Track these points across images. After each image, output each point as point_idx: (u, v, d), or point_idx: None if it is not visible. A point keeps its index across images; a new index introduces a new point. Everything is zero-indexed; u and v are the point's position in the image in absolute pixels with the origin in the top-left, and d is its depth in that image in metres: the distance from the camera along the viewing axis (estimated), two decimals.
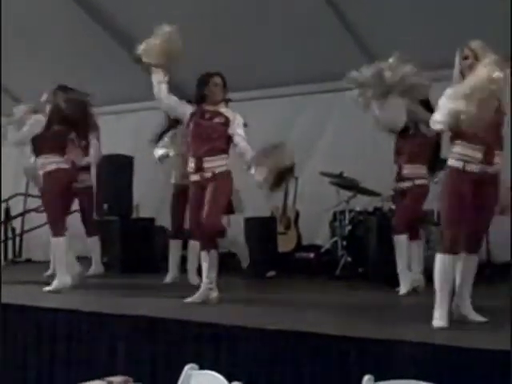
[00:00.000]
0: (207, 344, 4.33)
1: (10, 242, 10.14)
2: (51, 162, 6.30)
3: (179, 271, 7.03)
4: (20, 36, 8.51)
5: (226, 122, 5.52)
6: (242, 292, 5.65)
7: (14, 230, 10.18)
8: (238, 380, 2.95)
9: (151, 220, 8.46)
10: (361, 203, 7.61)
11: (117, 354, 4.73)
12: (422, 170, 6.05)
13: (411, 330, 4.27)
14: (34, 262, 9.71)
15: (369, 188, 7.44)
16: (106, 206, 8.18)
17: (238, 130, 5.50)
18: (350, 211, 7.46)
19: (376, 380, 2.79)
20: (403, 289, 5.92)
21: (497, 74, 3.94)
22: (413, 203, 6.06)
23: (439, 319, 4.22)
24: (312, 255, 7.84)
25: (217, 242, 5.60)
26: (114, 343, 4.77)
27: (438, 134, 5.20)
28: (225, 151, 5.55)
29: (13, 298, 5.62)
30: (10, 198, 10.02)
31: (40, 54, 8.88)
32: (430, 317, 4.43)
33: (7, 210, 10.05)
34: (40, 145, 6.34)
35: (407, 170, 6.07)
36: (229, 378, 2.94)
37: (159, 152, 6.86)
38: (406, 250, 5.98)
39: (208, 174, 5.47)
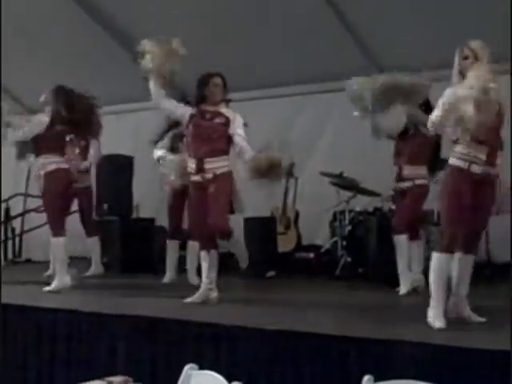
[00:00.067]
0: (207, 344, 4.33)
1: (9, 242, 10.14)
2: (52, 162, 6.30)
3: (177, 272, 7.03)
4: (20, 36, 8.51)
5: (227, 123, 5.52)
6: (242, 292, 5.65)
7: (13, 230, 10.18)
8: (238, 380, 2.95)
9: (151, 220, 8.47)
10: (361, 203, 7.61)
11: (117, 354, 4.73)
12: (422, 170, 6.05)
13: (411, 330, 4.26)
14: (34, 262, 9.70)
15: (369, 188, 7.44)
16: (105, 206, 8.18)
17: (238, 130, 5.50)
18: (350, 211, 7.46)
19: (376, 380, 2.79)
20: (403, 289, 5.92)
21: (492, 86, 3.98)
22: (413, 203, 6.06)
23: (435, 318, 4.21)
24: (312, 255, 7.84)
25: (217, 241, 5.60)
26: (113, 343, 4.77)
27: (438, 134, 5.20)
28: (226, 152, 5.54)
29: (13, 298, 5.62)
30: (10, 198, 10.02)
31: (40, 54, 8.87)
32: None
33: (7, 210, 10.05)
34: (40, 145, 6.33)
35: (407, 170, 6.08)
36: (228, 378, 2.93)
37: (158, 153, 6.85)
38: (406, 250, 5.98)
39: (209, 175, 5.46)
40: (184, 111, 5.65)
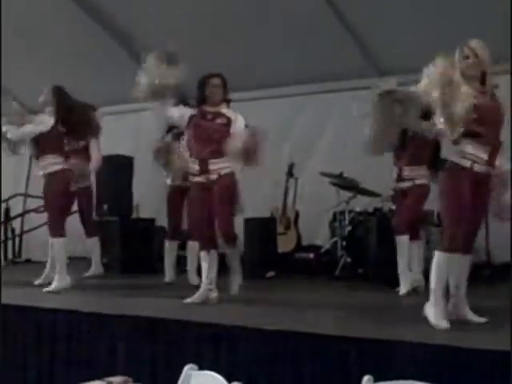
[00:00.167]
0: (207, 344, 4.33)
1: (9, 243, 10.14)
2: (54, 163, 6.30)
3: (176, 272, 7.03)
4: (20, 36, 8.51)
5: (228, 123, 5.51)
6: (242, 292, 5.64)
7: (13, 230, 10.18)
8: (238, 380, 2.95)
9: (151, 220, 8.46)
10: (361, 204, 7.60)
11: (117, 355, 4.73)
12: (422, 170, 6.05)
13: (411, 330, 4.27)
14: (34, 262, 9.69)
15: (369, 188, 7.44)
16: (105, 206, 8.18)
17: (239, 131, 5.50)
18: (350, 212, 7.45)
19: (376, 380, 2.79)
20: (403, 289, 5.92)
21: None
22: (414, 203, 6.06)
23: (438, 319, 4.20)
24: (312, 255, 7.83)
25: (217, 242, 5.61)
26: (113, 343, 4.77)
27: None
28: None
29: (12, 298, 5.62)
30: (10, 198, 10.02)
31: (40, 54, 8.87)
32: None
33: (7, 211, 10.05)
34: (42, 145, 6.33)
35: (407, 171, 6.09)
36: (228, 379, 2.93)
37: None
38: (407, 251, 5.98)
39: (214, 176, 5.46)
40: (183, 113, 5.65)
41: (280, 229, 8.10)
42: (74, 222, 7.29)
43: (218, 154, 5.45)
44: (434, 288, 4.28)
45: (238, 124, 5.52)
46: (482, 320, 4.38)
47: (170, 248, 7.04)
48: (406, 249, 5.97)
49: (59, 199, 6.35)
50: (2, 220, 9.97)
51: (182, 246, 7.11)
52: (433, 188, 5.92)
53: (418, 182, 6.03)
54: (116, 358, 4.72)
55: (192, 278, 6.72)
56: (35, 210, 8.73)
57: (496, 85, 4.35)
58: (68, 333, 5.00)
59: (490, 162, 4.27)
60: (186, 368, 3.11)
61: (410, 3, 6.93)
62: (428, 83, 4.08)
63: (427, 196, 6.03)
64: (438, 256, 4.30)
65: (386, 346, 3.78)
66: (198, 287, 5.68)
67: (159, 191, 7.40)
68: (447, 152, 4.37)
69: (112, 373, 3.60)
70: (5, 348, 5.31)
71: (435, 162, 5.93)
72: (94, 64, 8.77)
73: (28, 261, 9.96)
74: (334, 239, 7.62)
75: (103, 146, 7.64)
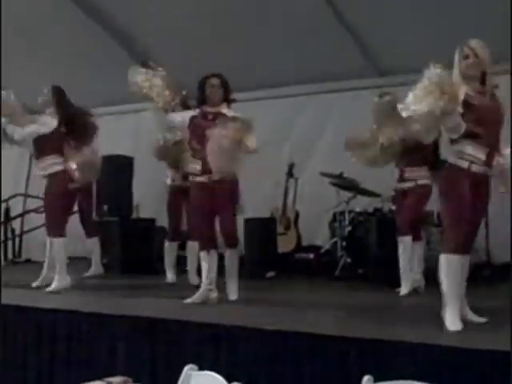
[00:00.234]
0: (207, 344, 4.33)
1: (9, 243, 10.14)
2: (55, 164, 6.31)
3: (176, 272, 7.03)
4: (20, 36, 8.50)
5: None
6: (242, 292, 5.64)
7: (13, 230, 10.18)
8: (238, 380, 2.95)
9: (151, 220, 8.46)
10: (361, 204, 7.61)
11: (116, 355, 4.73)
12: (423, 171, 6.06)
13: (411, 330, 4.26)
14: (34, 262, 9.69)
15: (369, 189, 7.44)
16: (105, 206, 8.18)
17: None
18: (350, 212, 7.46)
19: (376, 380, 2.79)
20: (404, 289, 5.92)
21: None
22: (416, 204, 6.05)
23: (452, 321, 4.18)
24: (312, 256, 7.83)
25: (217, 242, 5.61)
26: (113, 344, 4.76)
27: None
28: None
29: (12, 298, 5.62)
30: (10, 198, 10.02)
31: (40, 54, 8.87)
32: (430, 317, 4.44)
33: (7, 211, 10.05)
34: (42, 146, 6.33)
35: (409, 172, 6.09)
36: (228, 379, 2.93)
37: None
38: (410, 252, 5.97)
39: (216, 177, 5.46)
40: (183, 116, 5.64)
41: (280, 229, 8.10)
42: (73, 222, 7.28)
43: None
44: (445, 291, 4.26)
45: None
46: (482, 320, 4.38)
47: (170, 248, 7.04)
48: (408, 250, 5.96)
49: (60, 200, 6.35)
50: (2, 220, 9.97)
51: (182, 246, 7.12)
52: (433, 189, 5.92)
53: (420, 182, 6.02)
54: (116, 358, 4.71)
55: (192, 277, 6.72)
56: (35, 210, 8.73)
57: (496, 85, 4.34)
58: (68, 333, 5.00)
59: (488, 163, 4.26)
60: (186, 368, 3.11)
61: (410, 3, 6.92)
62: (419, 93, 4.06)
63: (429, 196, 6.02)
64: (445, 259, 4.28)
65: (386, 346, 3.78)
66: (198, 287, 5.68)
67: (159, 191, 7.40)
68: (445, 153, 4.36)
69: (112, 373, 3.60)
70: (5, 348, 5.31)
71: (435, 163, 5.93)
72: (93, 64, 8.77)
73: (28, 261, 9.96)
74: (334, 239, 7.62)
75: (103, 146, 7.64)
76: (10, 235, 10.12)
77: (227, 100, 5.64)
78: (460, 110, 4.08)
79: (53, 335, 5.07)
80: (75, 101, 6.65)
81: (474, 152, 4.23)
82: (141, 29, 8.44)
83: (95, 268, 7.67)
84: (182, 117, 5.66)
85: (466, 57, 4.27)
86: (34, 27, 8.45)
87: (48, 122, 6.30)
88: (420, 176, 6.04)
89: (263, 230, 7.87)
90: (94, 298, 6.06)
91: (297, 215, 8.23)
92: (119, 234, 8.09)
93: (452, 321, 4.18)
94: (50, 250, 6.49)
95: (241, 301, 5.52)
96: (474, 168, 4.25)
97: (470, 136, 4.21)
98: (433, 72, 4.01)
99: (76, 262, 7.33)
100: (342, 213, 7.50)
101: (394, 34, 7.26)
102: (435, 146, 5.83)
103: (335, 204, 7.60)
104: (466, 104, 4.13)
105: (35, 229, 9.23)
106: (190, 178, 5.68)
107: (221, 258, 5.75)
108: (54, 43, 8.67)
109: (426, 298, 5.73)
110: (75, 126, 6.46)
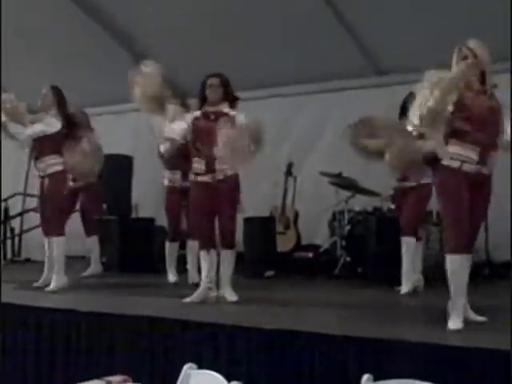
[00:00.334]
0: (206, 343, 4.33)
1: (9, 242, 10.14)
2: (55, 164, 6.31)
3: (177, 273, 7.04)
4: (20, 36, 8.51)
5: (232, 122, 5.49)
6: (241, 291, 5.64)
7: (12, 229, 10.19)
8: (237, 380, 2.94)
9: (150, 220, 8.46)
10: (360, 203, 7.61)
11: (116, 354, 4.73)
12: (425, 170, 6.04)
13: (411, 329, 4.27)
14: (33, 261, 9.70)
15: (368, 188, 7.45)
16: (105, 205, 8.18)
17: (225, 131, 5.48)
18: (349, 211, 7.46)
19: (375, 379, 2.79)
20: (404, 288, 5.91)
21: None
22: (419, 203, 6.02)
23: (454, 321, 4.18)
24: (311, 255, 7.84)
25: (215, 241, 5.61)
26: (112, 343, 4.77)
27: None
28: None
29: (12, 297, 5.63)
30: (9, 197, 10.03)
31: (40, 54, 8.88)
32: (429, 316, 4.45)
33: (6, 210, 10.06)
34: (42, 146, 6.33)
35: (409, 173, 6.08)
36: (228, 378, 2.93)
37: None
38: (413, 252, 5.96)
39: (220, 176, 5.47)
40: (186, 121, 5.61)
41: (279, 228, 8.11)
42: (72, 222, 7.28)
43: None
44: (454, 291, 4.27)
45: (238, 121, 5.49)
46: (482, 319, 4.38)
47: (171, 249, 7.04)
48: (412, 250, 5.95)
49: (59, 199, 6.35)
50: (2, 219, 9.98)
51: (182, 246, 7.12)
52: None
53: (422, 181, 6.01)
54: (115, 357, 4.72)
55: (193, 276, 6.71)
56: (34, 210, 8.72)
57: (495, 84, 4.34)
58: (67, 332, 5.00)
59: (482, 162, 4.27)
60: (186, 367, 3.12)
61: (410, 3, 6.93)
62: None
63: (431, 196, 6.02)
64: (449, 259, 4.28)
65: (385, 345, 3.78)
66: (198, 286, 5.68)
67: (158, 191, 7.40)
68: (440, 154, 4.36)
69: (111, 372, 3.60)
70: (4, 347, 5.32)
71: (435, 163, 5.92)
72: (94, 64, 8.77)
73: (27, 260, 9.97)
74: (334, 238, 7.62)
75: (103, 145, 7.65)
76: (9, 234, 10.13)
77: (228, 99, 5.64)
78: (450, 109, 4.10)
79: (52, 334, 5.08)
80: (75, 101, 6.67)
81: (464, 152, 4.24)
82: (141, 29, 8.44)
83: (94, 267, 7.67)
84: (186, 121, 5.60)
85: (465, 57, 4.27)
86: (33, 27, 8.46)
87: (53, 123, 6.30)
88: (422, 175, 6.03)
89: (262, 229, 7.87)
90: (93, 297, 6.07)
91: (296, 214, 8.24)
92: (118, 233, 8.10)
93: (453, 319, 4.19)
94: (48, 249, 6.49)
95: (240, 300, 5.52)
96: (466, 167, 4.25)
97: (458, 135, 4.22)
98: (429, 76, 4.05)
99: (75, 261, 7.34)
100: (342, 212, 7.51)
101: (393, 34, 7.27)
102: None
103: (334, 203, 7.61)
104: (458, 104, 4.15)
105: (34, 228, 9.21)
106: (192, 177, 5.67)
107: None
108: (54, 43, 8.68)
109: (426, 297, 5.75)
110: (75, 126, 6.48)
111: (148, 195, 8.85)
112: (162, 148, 6.26)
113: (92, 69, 8.82)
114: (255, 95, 8.49)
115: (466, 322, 4.26)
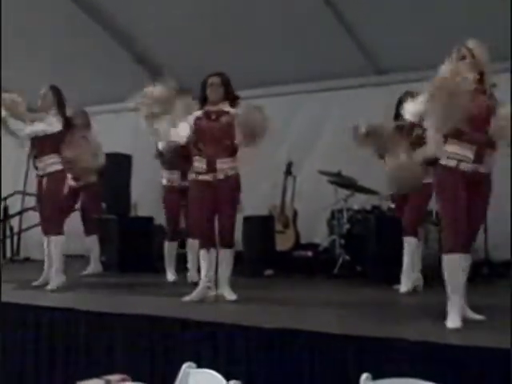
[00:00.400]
0: (205, 342, 4.33)
1: (8, 241, 10.15)
2: (54, 163, 6.31)
3: (176, 272, 7.04)
4: (20, 36, 8.51)
5: (233, 120, 5.50)
6: (240, 290, 5.64)
7: (12, 228, 10.19)
8: (236, 378, 2.95)
9: (150, 219, 8.46)
10: (359, 202, 7.61)
11: (115, 353, 4.73)
12: (426, 169, 6.04)
13: (410, 328, 4.28)
14: (33, 260, 9.71)
15: (367, 186, 7.45)
16: (104, 204, 8.18)
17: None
18: (348, 210, 7.46)
19: (374, 378, 2.80)
20: (404, 287, 5.91)
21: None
22: (421, 203, 6.01)
23: (453, 320, 4.19)
24: (310, 254, 7.85)
25: (215, 240, 5.61)
26: (112, 342, 4.77)
27: None
28: (235, 151, 5.54)
29: (11, 296, 5.63)
30: (9, 196, 10.03)
31: (40, 54, 8.88)
32: (428, 315, 4.45)
33: (5, 209, 10.06)
34: (41, 145, 6.33)
35: None
36: (227, 377, 2.93)
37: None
38: (415, 252, 5.97)
39: (221, 176, 5.47)
40: (188, 122, 5.60)
41: (278, 227, 8.11)
42: (71, 221, 7.29)
43: (225, 152, 5.47)
44: (450, 290, 4.28)
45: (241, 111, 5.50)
46: (481, 317, 4.39)
47: (170, 248, 7.04)
48: (413, 250, 5.96)
49: (58, 198, 6.36)
50: (1, 218, 9.98)
51: (182, 245, 7.13)
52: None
53: (424, 181, 6.01)
54: (114, 356, 4.72)
55: (193, 275, 6.72)
56: (34, 208, 8.73)
57: (494, 84, 4.35)
58: (66, 331, 5.01)
59: (479, 160, 4.27)
60: (185, 366, 3.12)
61: (410, 3, 6.94)
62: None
63: (431, 195, 6.02)
64: (446, 259, 4.29)
65: (384, 344, 3.78)
66: (197, 285, 5.68)
67: (157, 190, 7.41)
68: (437, 153, 4.37)
69: (110, 371, 3.61)
70: (3, 346, 5.32)
71: (434, 162, 5.92)
72: (93, 64, 8.78)
73: (26, 259, 9.98)
74: (333, 237, 7.62)
75: (102, 144, 7.66)
76: (8, 233, 10.14)
77: (229, 98, 5.64)
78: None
79: (51, 333, 5.08)
80: (76, 100, 6.68)
81: (461, 151, 4.25)
82: (141, 29, 8.45)
83: (94, 266, 7.68)
84: (188, 122, 5.61)
85: (463, 57, 4.28)
86: (33, 27, 8.46)
87: (54, 123, 6.30)
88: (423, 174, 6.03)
89: (261, 228, 7.87)
90: (93, 296, 6.07)
91: (295, 213, 8.24)
92: (117, 232, 8.09)
93: (452, 318, 4.20)
94: (47, 248, 6.50)
95: (239, 299, 5.52)
96: (463, 166, 4.26)
97: (458, 135, 4.23)
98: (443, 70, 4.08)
99: (74, 260, 7.35)
100: (341, 211, 7.51)
101: (393, 34, 7.27)
102: None
103: (333, 202, 7.61)
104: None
105: (34, 227, 9.22)
106: (193, 176, 5.67)
107: None
108: (54, 43, 8.68)
109: (425, 296, 5.75)
110: (73, 127, 6.50)
111: (147, 194, 8.85)
112: (161, 146, 6.29)
113: (92, 69, 8.82)
114: (254, 94, 8.47)
115: (465, 320, 4.27)
